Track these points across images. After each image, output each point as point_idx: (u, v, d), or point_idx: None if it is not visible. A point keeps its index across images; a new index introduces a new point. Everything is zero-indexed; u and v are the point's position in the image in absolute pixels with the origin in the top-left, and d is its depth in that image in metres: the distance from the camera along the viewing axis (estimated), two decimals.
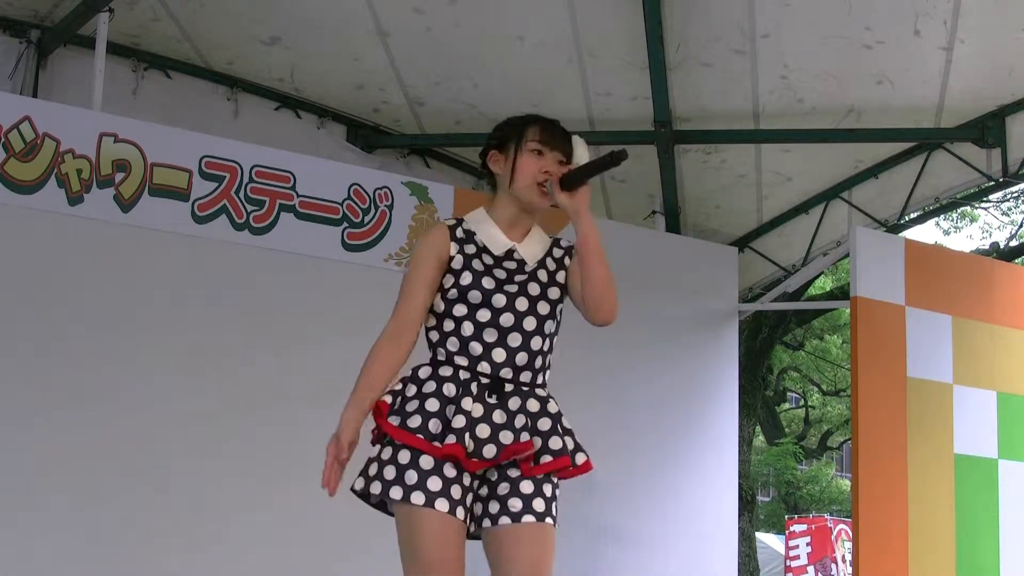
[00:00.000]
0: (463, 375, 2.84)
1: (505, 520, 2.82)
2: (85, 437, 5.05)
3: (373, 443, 2.88)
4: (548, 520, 2.85)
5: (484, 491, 2.85)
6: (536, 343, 2.92)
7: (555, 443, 2.87)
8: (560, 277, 3.01)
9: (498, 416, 2.83)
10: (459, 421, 2.77)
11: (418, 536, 2.75)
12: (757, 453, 21.00)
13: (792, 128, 6.62)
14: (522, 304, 2.91)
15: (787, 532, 18.60)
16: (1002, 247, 12.78)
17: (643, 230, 7.12)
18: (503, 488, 2.84)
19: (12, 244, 5.10)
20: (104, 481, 5.06)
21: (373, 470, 2.82)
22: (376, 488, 2.79)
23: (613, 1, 5.80)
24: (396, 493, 2.76)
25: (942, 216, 16.36)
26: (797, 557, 17.87)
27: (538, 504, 2.84)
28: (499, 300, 2.89)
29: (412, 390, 2.85)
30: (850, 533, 9.16)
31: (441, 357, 2.88)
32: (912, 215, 8.47)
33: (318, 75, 6.47)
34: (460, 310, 2.88)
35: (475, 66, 6.31)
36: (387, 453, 2.81)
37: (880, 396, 6.20)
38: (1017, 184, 9.45)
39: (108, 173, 5.27)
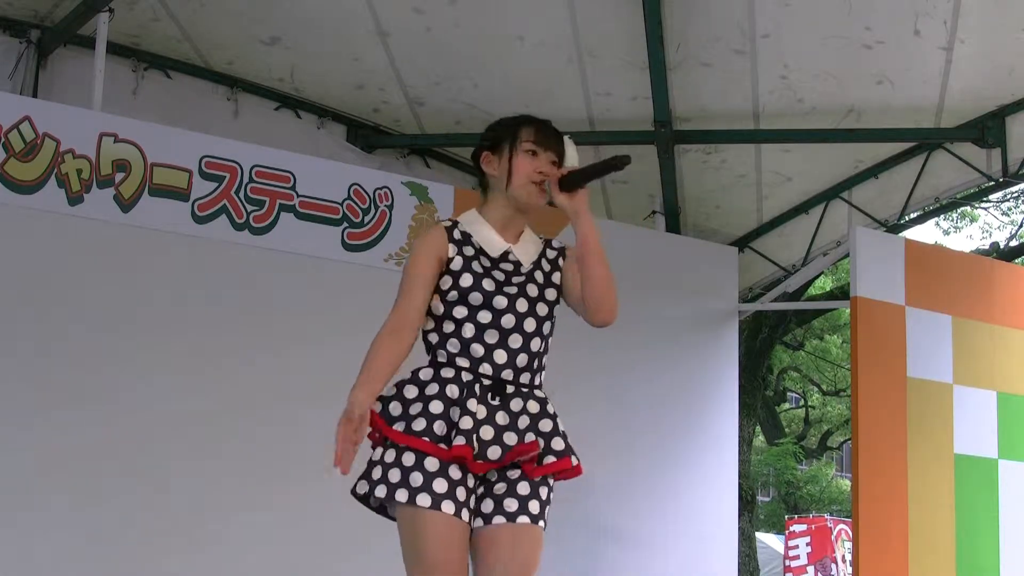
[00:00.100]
0: (465, 376, 2.84)
1: (500, 519, 2.82)
2: (85, 437, 5.05)
3: (374, 446, 2.87)
4: (540, 523, 2.86)
5: (480, 490, 2.86)
6: (535, 344, 2.93)
7: (557, 444, 2.89)
8: (555, 278, 3.02)
9: (501, 418, 2.84)
10: (466, 423, 2.77)
11: (422, 538, 2.74)
12: (757, 453, 20.99)
13: (792, 128, 6.62)
14: (522, 305, 2.92)
15: (787, 532, 18.59)
16: (1002, 247, 12.78)
17: (643, 230, 7.12)
18: (500, 488, 2.85)
19: (12, 244, 5.10)
20: (104, 481, 5.06)
21: (377, 473, 2.81)
22: (381, 491, 2.78)
23: (613, 1, 5.80)
24: (402, 495, 2.75)
25: (942, 216, 16.37)
26: (797, 557, 17.87)
27: (533, 506, 2.85)
28: (500, 302, 2.89)
29: (413, 392, 2.84)
30: (850, 533, 9.16)
31: (442, 359, 2.88)
32: (912, 215, 8.47)
33: (318, 75, 6.47)
34: (461, 312, 2.88)
35: (475, 66, 6.31)
36: (390, 455, 2.80)
37: (880, 396, 6.20)
38: (1017, 184, 9.45)
39: (108, 173, 5.27)
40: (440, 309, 2.90)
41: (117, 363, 5.22)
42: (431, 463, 2.77)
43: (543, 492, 2.89)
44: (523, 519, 2.82)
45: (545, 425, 2.89)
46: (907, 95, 6.40)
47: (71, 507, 4.99)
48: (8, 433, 4.93)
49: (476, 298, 2.88)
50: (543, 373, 2.97)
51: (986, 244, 16.18)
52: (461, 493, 2.78)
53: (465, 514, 2.79)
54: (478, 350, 2.86)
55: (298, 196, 5.71)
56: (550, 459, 2.87)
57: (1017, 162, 6.74)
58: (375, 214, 5.90)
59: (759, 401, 12.61)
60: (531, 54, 6.18)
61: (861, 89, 6.37)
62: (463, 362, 2.86)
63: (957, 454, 6.35)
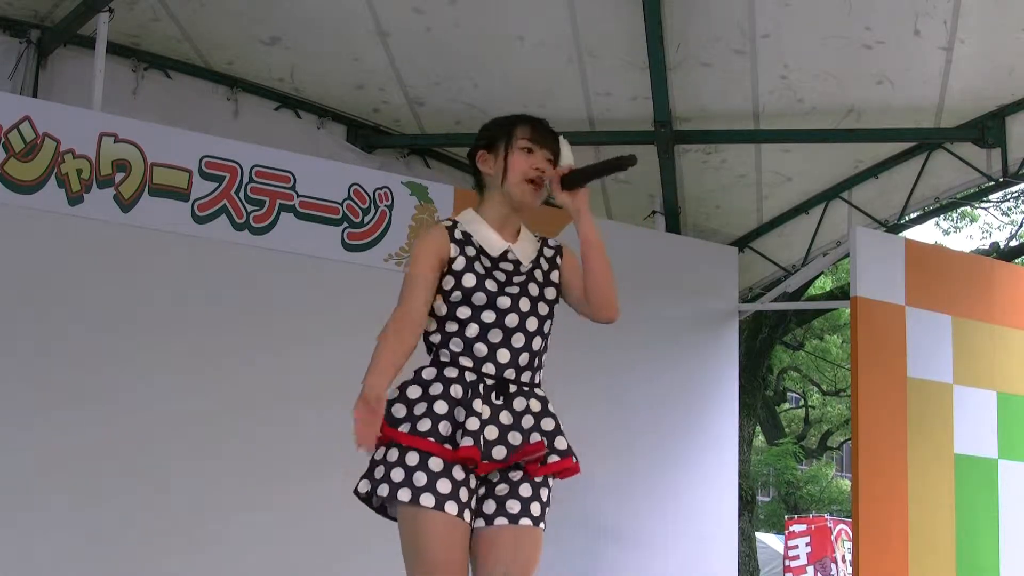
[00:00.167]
0: (469, 376, 2.84)
1: (502, 521, 2.83)
2: (85, 437, 5.05)
3: (376, 446, 2.87)
4: (541, 525, 2.87)
5: (482, 491, 2.86)
6: (537, 343, 2.93)
7: (560, 443, 2.91)
8: (554, 277, 3.02)
9: (505, 417, 2.84)
10: (473, 424, 2.77)
11: (425, 538, 2.74)
12: (757, 453, 20.99)
13: (792, 128, 6.62)
14: (524, 305, 2.92)
15: (787, 532, 18.59)
16: (1002, 247, 12.78)
17: (643, 230, 7.12)
18: (501, 489, 2.85)
19: (12, 244, 5.10)
20: (104, 481, 5.06)
21: (379, 472, 2.81)
22: (383, 490, 2.78)
23: (613, 1, 5.80)
24: (404, 495, 2.75)
25: (942, 216, 16.37)
26: (796, 557, 17.86)
27: (535, 508, 2.86)
28: (504, 302, 2.89)
29: (416, 392, 2.84)
30: (850, 533, 9.16)
31: (445, 358, 2.88)
32: (912, 215, 8.47)
33: (318, 75, 6.47)
34: (464, 312, 2.87)
35: (475, 66, 6.31)
36: (393, 455, 2.80)
37: (880, 396, 6.20)
38: (1017, 184, 9.45)
39: (108, 173, 5.27)
40: (443, 309, 2.90)
41: (117, 363, 5.22)
42: (435, 463, 2.77)
43: (544, 494, 2.90)
44: (525, 521, 2.84)
45: (547, 424, 2.90)
46: (907, 95, 6.40)
47: (71, 507, 4.99)
48: (8, 433, 4.93)
49: (480, 298, 2.88)
50: (542, 372, 2.97)
51: (986, 244, 16.19)
52: (463, 494, 2.78)
53: (467, 515, 2.79)
54: (482, 349, 2.86)
55: (298, 196, 5.71)
56: (554, 458, 2.89)
57: (1017, 162, 6.74)
58: (375, 214, 5.90)
59: (759, 401, 12.60)
60: (531, 54, 6.18)
61: (861, 89, 6.37)
62: (466, 362, 2.85)
63: (957, 454, 6.35)
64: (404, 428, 2.79)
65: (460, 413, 2.79)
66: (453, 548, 2.76)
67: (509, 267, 2.95)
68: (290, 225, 5.66)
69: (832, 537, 17.70)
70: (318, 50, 6.24)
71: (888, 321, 6.28)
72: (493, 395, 2.84)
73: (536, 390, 2.93)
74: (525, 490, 2.86)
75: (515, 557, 2.82)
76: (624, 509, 6.48)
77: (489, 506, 2.84)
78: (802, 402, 24.08)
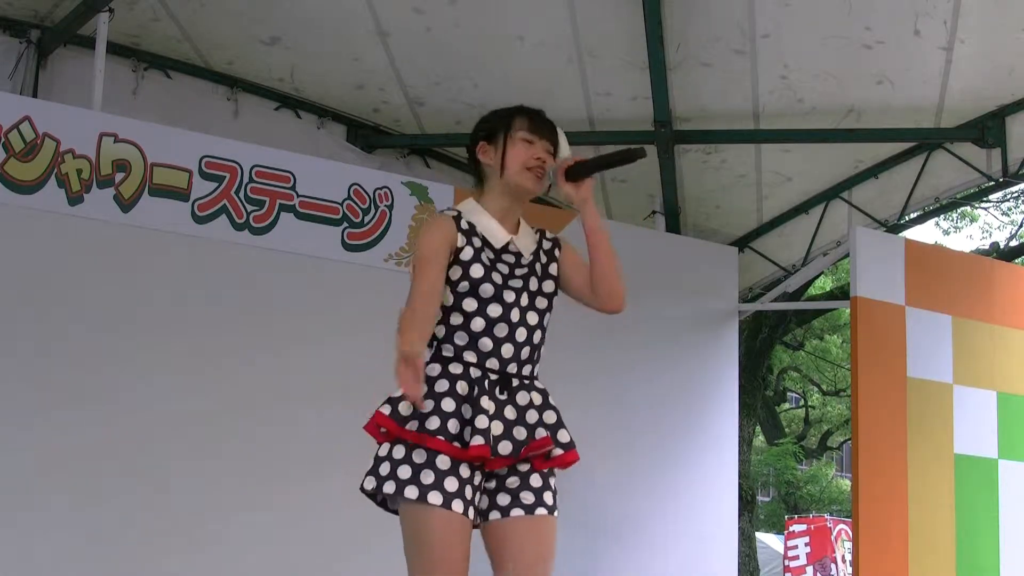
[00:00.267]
0: (474, 372, 2.84)
1: (518, 512, 2.85)
2: (85, 437, 5.05)
3: (381, 442, 2.86)
4: (555, 513, 2.90)
5: (492, 484, 2.87)
6: (537, 337, 2.95)
7: (563, 436, 2.93)
8: (553, 270, 3.03)
9: (509, 412, 2.85)
10: (482, 422, 2.78)
11: (428, 535, 2.75)
12: (757, 453, 20.99)
13: (792, 128, 6.62)
14: (526, 299, 2.93)
15: (786, 532, 18.59)
16: (1002, 247, 12.79)
17: (643, 230, 7.11)
18: (513, 481, 2.87)
19: (12, 244, 5.10)
20: (104, 481, 5.05)
21: (385, 469, 2.80)
22: (389, 487, 2.77)
23: (613, 1, 5.80)
24: (412, 492, 2.75)
25: (942, 216, 16.37)
26: (796, 557, 17.86)
27: (548, 498, 2.89)
28: (509, 295, 2.90)
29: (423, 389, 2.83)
30: (850, 533, 9.16)
31: (448, 353, 2.87)
32: (912, 215, 8.47)
33: (318, 75, 6.47)
34: (470, 304, 2.87)
35: (475, 66, 6.31)
36: (399, 451, 2.79)
37: (880, 396, 6.20)
38: (1017, 184, 9.45)
39: (108, 173, 5.27)
40: (449, 300, 2.89)
41: (117, 363, 5.22)
42: (442, 461, 2.77)
43: (552, 482, 2.93)
44: (541, 511, 2.87)
45: (549, 417, 2.91)
46: (907, 95, 6.40)
47: (71, 507, 4.99)
48: (8, 433, 4.93)
49: (487, 290, 2.87)
50: (539, 364, 2.99)
51: (986, 244, 16.19)
52: (468, 491, 2.79)
53: (471, 512, 2.80)
54: (487, 344, 2.86)
55: (298, 196, 5.71)
56: (558, 451, 2.91)
57: (1017, 162, 6.74)
58: (375, 214, 5.90)
59: (759, 401, 12.61)
60: (531, 54, 6.18)
61: (861, 89, 6.37)
62: (470, 357, 2.85)
63: (957, 454, 6.35)
64: (412, 426, 2.79)
65: (467, 410, 2.79)
66: (456, 546, 2.76)
67: (511, 259, 2.95)
68: (290, 225, 5.66)
69: (832, 537, 17.71)
70: (318, 50, 6.24)
71: (888, 321, 6.28)
72: (497, 390, 2.85)
73: (536, 383, 2.95)
74: (536, 480, 2.88)
75: (536, 547, 2.84)
76: (624, 509, 6.48)
77: (503, 498, 2.86)
78: (802, 402, 24.09)
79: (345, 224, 5.82)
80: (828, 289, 15.40)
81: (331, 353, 5.59)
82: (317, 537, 5.40)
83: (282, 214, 5.65)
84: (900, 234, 7.77)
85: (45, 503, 4.95)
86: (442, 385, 2.82)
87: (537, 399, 2.91)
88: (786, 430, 23.19)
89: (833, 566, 17.50)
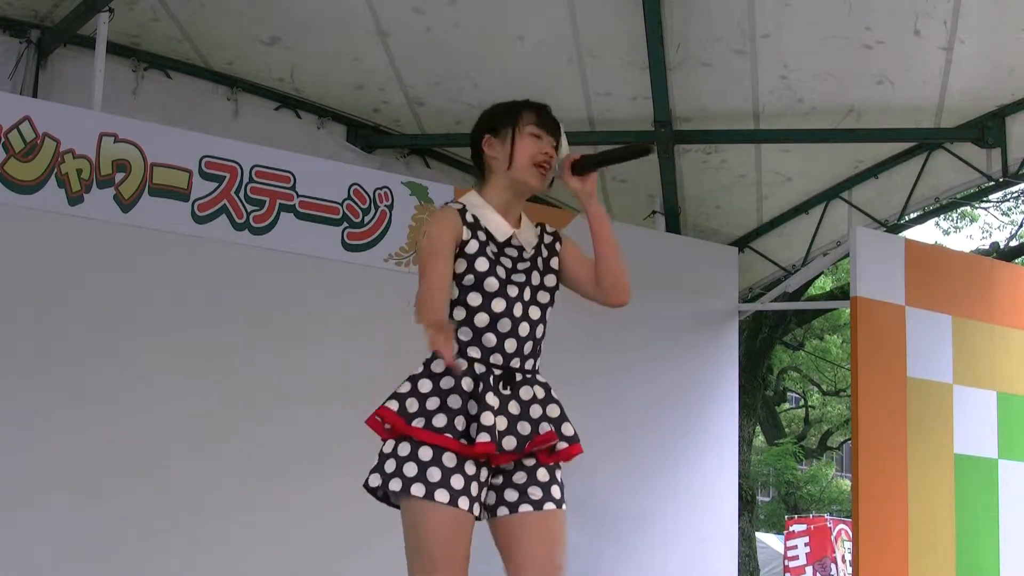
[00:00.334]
0: (478, 368, 2.84)
1: (526, 508, 2.85)
2: (85, 437, 5.05)
3: (385, 438, 2.86)
4: (564, 506, 2.91)
5: (499, 480, 2.87)
6: (539, 331, 2.95)
7: (567, 429, 2.93)
8: (554, 264, 3.03)
9: (513, 407, 2.85)
10: (488, 419, 2.77)
11: (434, 532, 2.75)
12: (757, 453, 20.99)
13: (792, 128, 6.62)
14: (528, 293, 2.93)
15: (786, 532, 18.59)
16: (1002, 247, 12.79)
17: (643, 230, 7.11)
18: (520, 477, 2.87)
19: (12, 244, 5.10)
20: (104, 481, 5.06)
21: (390, 466, 2.79)
22: (396, 485, 2.77)
23: (613, 1, 5.80)
24: (418, 490, 2.74)
25: (942, 216, 16.37)
26: (796, 557, 17.87)
27: (555, 491, 2.89)
28: (512, 290, 2.90)
29: (427, 386, 2.82)
30: (850, 533, 9.16)
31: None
32: (912, 215, 8.47)
33: (318, 75, 6.47)
34: (475, 299, 2.86)
35: (475, 66, 6.31)
36: (404, 449, 2.79)
37: (880, 396, 6.20)
38: (1017, 184, 9.45)
39: (108, 173, 5.27)
40: (455, 293, 2.88)
41: (117, 363, 5.22)
42: (449, 458, 2.77)
43: (558, 475, 2.93)
44: (549, 505, 2.87)
45: (552, 411, 2.91)
46: (907, 95, 6.40)
47: (71, 507, 4.99)
48: (8, 433, 4.93)
49: (492, 284, 2.87)
50: (541, 358, 2.99)
51: (986, 244, 16.20)
52: (474, 488, 2.79)
53: (477, 509, 2.81)
54: (491, 339, 2.85)
55: (298, 196, 5.71)
56: (562, 445, 2.91)
57: (1017, 162, 6.74)
58: (375, 214, 5.90)
59: (759, 401, 12.61)
60: (531, 54, 6.18)
61: (861, 89, 6.37)
62: (474, 352, 2.85)
63: (957, 454, 6.35)
64: (418, 423, 2.78)
65: (473, 406, 2.79)
66: (458, 543, 2.76)
67: (514, 253, 2.95)
68: (290, 225, 5.66)
69: (832, 537, 17.71)
70: (318, 50, 6.24)
71: (888, 321, 6.28)
72: (501, 385, 2.85)
73: (538, 377, 2.95)
74: (542, 475, 2.89)
75: (548, 545, 2.85)
76: (624, 509, 6.48)
77: (511, 495, 2.86)
78: (802, 402, 24.09)
79: (345, 224, 5.82)
80: (828, 289, 15.40)
81: (331, 353, 5.59)
82: (317, 537, 5.40)
83: (282, 214, 5.65)
84: (900, 234, 7.77)
85: (45, 503, 4.95)
86: (447, 382, 2.82)
87: (540, 393, 2.91)
88: (786, 430, 23.19)
89: (833, 566, 17.50)
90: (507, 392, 2.85)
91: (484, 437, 2.75)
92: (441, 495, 2.73)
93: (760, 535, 18.01)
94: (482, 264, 2.88)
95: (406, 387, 2.83)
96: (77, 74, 5.81)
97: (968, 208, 15.90)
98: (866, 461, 6.09)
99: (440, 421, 2.77)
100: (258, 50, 6.21)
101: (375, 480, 2.82)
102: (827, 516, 19.79)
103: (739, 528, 7.90)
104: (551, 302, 2.99)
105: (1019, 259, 12.04)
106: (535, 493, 2.86)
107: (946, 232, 18.02)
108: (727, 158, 7.09)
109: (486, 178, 3.04)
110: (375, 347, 5.39)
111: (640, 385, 6.65)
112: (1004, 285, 6.82)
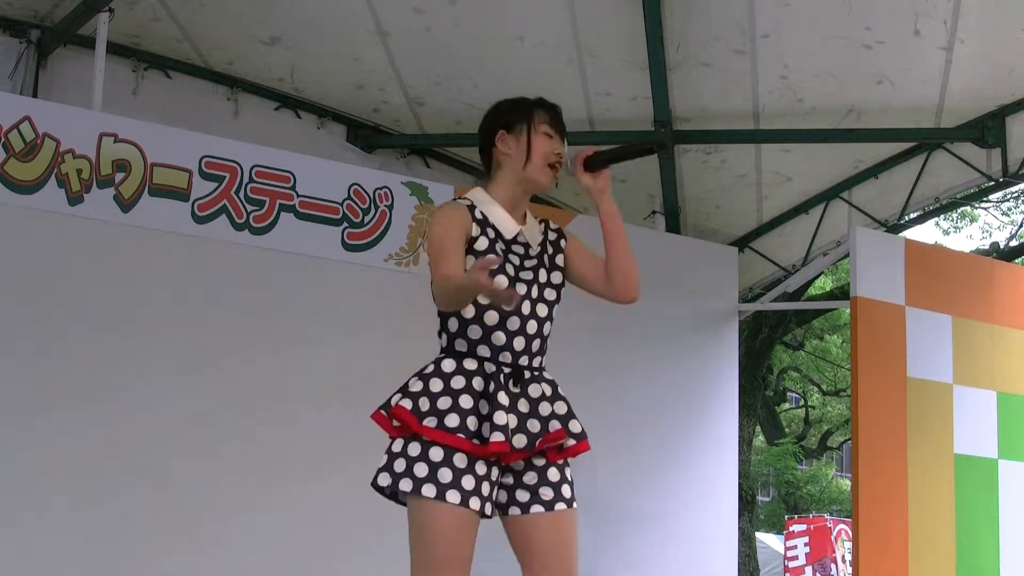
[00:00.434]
0: (488, 367, 2.84)
1: (538, 508, 2.87)
2: (85, 437, 5.05)
3: (393, 436, 2.85)
4: (575, 504, 2.95)
5: (509, 479, 2.87)
6: (546, 328, 2.96)
7: (575, 426, 2.95)
8: (560, 261, 3.03)
9: (523, 405, 2.85)
10: (500, 418, 2.77)
11: (442, 532, 2.75)
12: (757, 453, 21.00)
13: (792, 128, 6.61)
14: (536, 290, 2.94)
15: (786, 532, 18.59)
16: (1002, 247, 12.79)
17: (643, 230, 7.11)
18: (531, 477, 2.88)
19: (12, 244, 5.10)
20: (104, 481, 5.05)
21: (400, 466, 2.79)
22: (406, 484, 2.77)
23: (613, 1, 5.80)
24: (429, 491, 2.74)
25: (942, 216, 16.37)
26: (796, 557, 17.87)
27: (565, 490, 2.92)
28: (520, 287, 2.89)
29: (439, 385, 2.82)
30: (850, 533, 9.15)
31: (461, 348, 2.86)
32: (912, 215, 8.47)
33: (318, 75, 6.47)
34: (483, 297, 2.83)
35: (475, 66, 6.31)
36: (415, 449, 2.79)
37: (880, 396, 6.20)
38: (1017, 184, 9.45)
39: (108, 173, 5.27)
40: None
41: (117, 363, 5.22)
42: (460, 459, 2.77)
43: (568, 473, 2.95)
44: (560, 505, 2.90)
45: (560, 408, 2.93)
46: (907, 95, 6.40)
47: (71, 507, 4.99)
48: (8, 433, 4.93)
49: (501, 281, 2.86)
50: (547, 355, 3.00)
51: (986, 244, 16.20)
52: (486, 488, 2.80)
53: (488, 508, 2.82)
54: (500, 338, 2.86)
55: (298, 196, 5.71)
56: (570, 442, 2.93)
57: (1017, 162, 6.74)
58: (375, 214, 5.90)
59: (759, 401, 12.61)
60: (531, 54, 6.18)
61: (861, 89, 6.37)
62: (484, 351, 2.85)
63: (957, 454, 6.35)
64: (430, 423, 2.77)
65: (484, 406, 2.79)
66: (465, 543, 2.77)
67: (521, 251, 2.95)
68: (290, 225, 5.66)
69: (832, 537, 17.71)
70: (318, 50, 6.24)
71: (888, 321, 6.28)
72: (510, 383, 2.85)
73: (545, 374, 2.96)
74: (553, 474, 2.90)
75: (561, 546, 2.89)
76: (624, 509, 6.48)
77: (522, 495, 2.87)
78: (802, 402, 24.09)
79: (345, 224, 5.82)
80: (828, 289, 15.40)
81: (331, 353, 5.58)
82: (317, 537, 5.40)
83: (282, 214, 5.65)
84: (900, 234, 7.77)
85: (45, 503, 4.95)
86: (458, 382, 2.81)
87: (548, 390, 2.93)
88: (786, 430, 23.19)
89: (833, 566, 17.50)
90: (516, 390, 2.85)
91: (498, 436, 2.75)
92: (452, 496, 2.73)
93: (760, 535, 18.02)
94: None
95: (417, 385, 2.83)
96: (77, 74, 5.81)
97: (968, 208, 15.90)
98: (866, 461, 6.08)
99: (452, 421, 2.77)
100: (258, 50, 6.21)
101: (384, 479, 2.81)
102: (827, 516, 19.79)
103: (739, 528, 7.90)
104: (557, 299, 2.99)
105: (1019, 259, 12.04)
106: (546, 494, 2.87)
107: (946, 232, 18.04)
108: (727, 158, 7.09)
109: (493, 175, 3.03)
110: (375, 347, 5.40)
111: (640, 385, 6.64)
112: (1004, 285, 6.82)
